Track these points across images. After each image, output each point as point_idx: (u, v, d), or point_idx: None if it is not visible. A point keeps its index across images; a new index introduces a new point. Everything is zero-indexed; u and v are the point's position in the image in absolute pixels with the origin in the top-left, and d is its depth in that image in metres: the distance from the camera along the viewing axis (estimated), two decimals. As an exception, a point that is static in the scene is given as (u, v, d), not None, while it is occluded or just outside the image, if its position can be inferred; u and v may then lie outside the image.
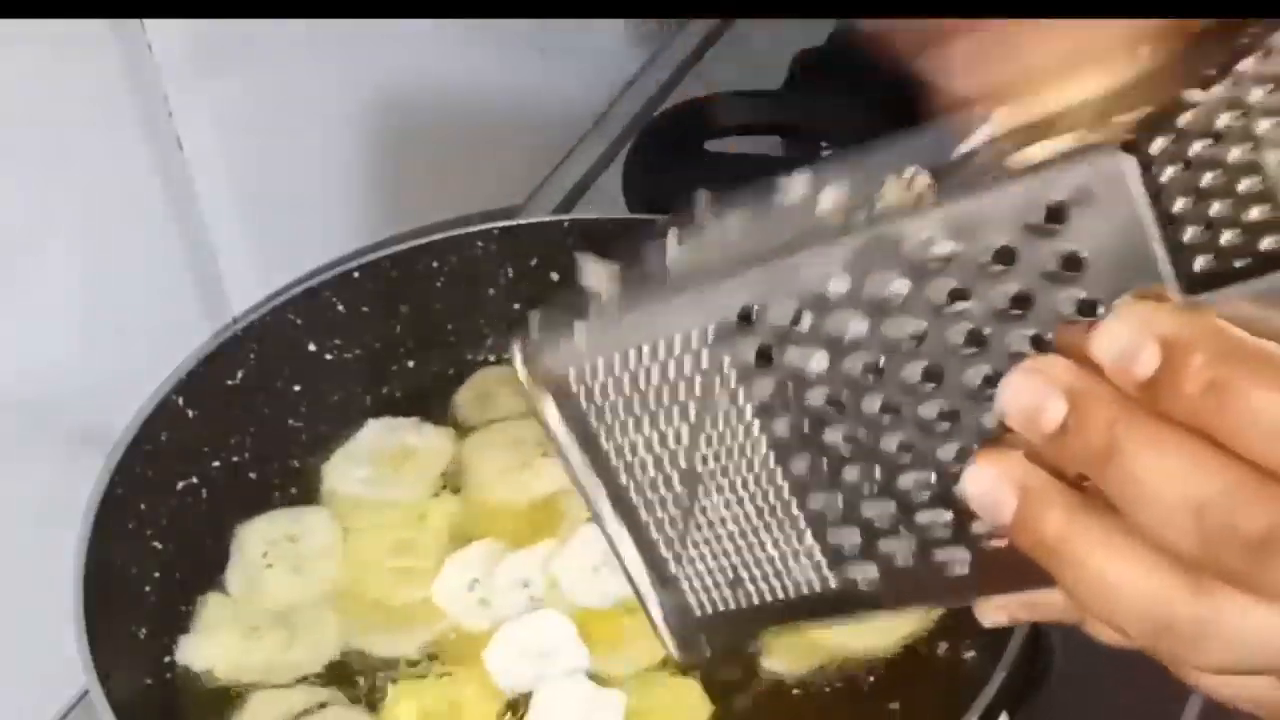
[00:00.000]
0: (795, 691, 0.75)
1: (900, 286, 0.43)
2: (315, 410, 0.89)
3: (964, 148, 0.47)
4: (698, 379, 0.48)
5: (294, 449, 0.88)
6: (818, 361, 0.45)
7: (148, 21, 0.82)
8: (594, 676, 0.75)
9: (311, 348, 0.89)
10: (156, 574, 0.80)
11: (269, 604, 0.80)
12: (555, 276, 0.92)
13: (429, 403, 0.90)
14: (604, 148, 1.17)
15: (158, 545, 0.80)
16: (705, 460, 0.49)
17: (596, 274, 0.53)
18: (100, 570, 0.74)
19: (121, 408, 0.81)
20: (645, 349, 0.48)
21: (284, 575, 0.81)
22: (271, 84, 0.91)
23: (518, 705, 0.74)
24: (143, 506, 0.79)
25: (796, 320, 0.45)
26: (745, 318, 0.46)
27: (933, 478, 0.45)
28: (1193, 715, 0.74)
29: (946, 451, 0.44)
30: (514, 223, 0.93)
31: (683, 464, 0.50)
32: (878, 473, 0.46)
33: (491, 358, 0.93)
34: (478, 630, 0.78)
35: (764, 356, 0.46)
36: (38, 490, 0.82)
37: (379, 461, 0.87)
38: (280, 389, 0.88)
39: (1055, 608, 0.45)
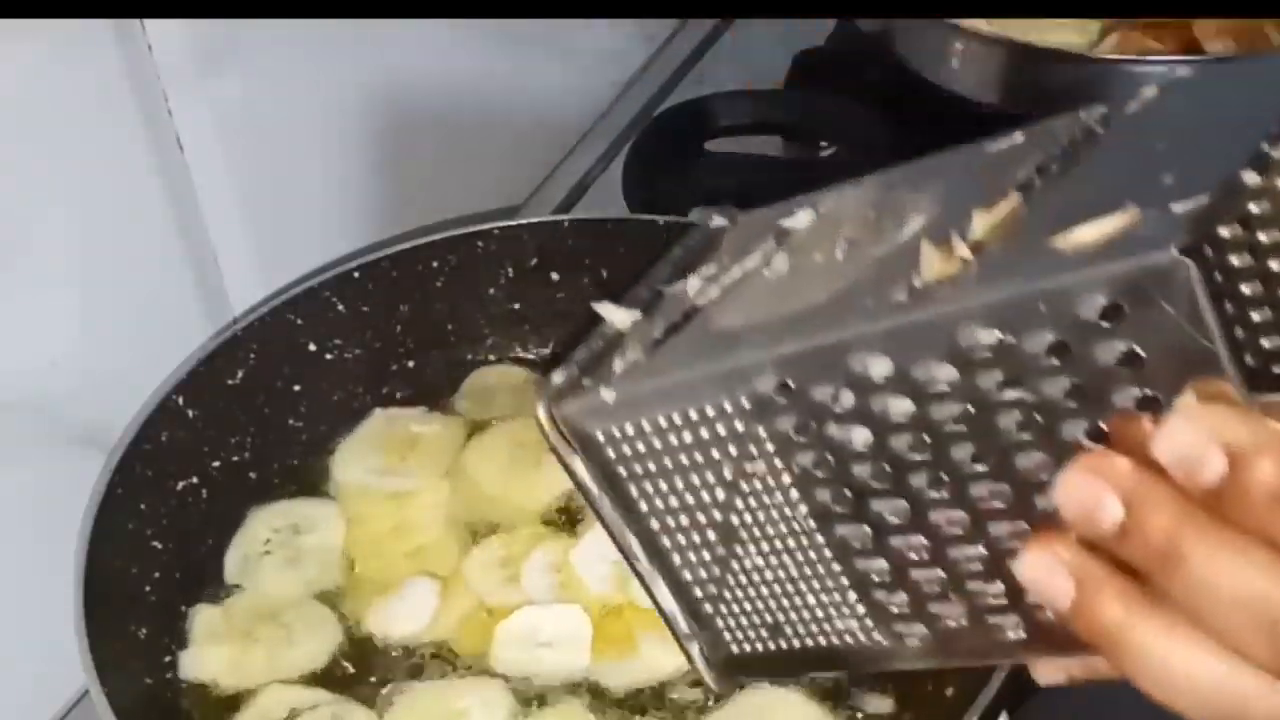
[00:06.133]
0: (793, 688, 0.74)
1: (946, 374, 0.41)
2: (315, 410, 0.89)
3: (1004, 206, 0.44)
4: (732, 447, 0.46)
5: (294, 449, 0.88)
6: (859, 438, 0.43)
7: (148, 21, 0.82)
8: (590, 684, 0.75)
9: (311, 348, 0.89)
10: (156, 574, 0.79)
11: (259, 597, 0.80)
12: (555, 276, 0.92)
13: (429, 402, 0.90)
14: (604, 148, 1.17)
15: (158, 545, 0.80)
16: (742, 518, 0.47)
17: (619, 321, 0.52)
18: (100, 570, 0.74)
19: (121, 408, 0.81)
20: (676, 416, 0.47)
21: (277, 566, 0.81)
22: (271, 84, 0.91)
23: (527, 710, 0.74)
24: (143, 506, 0.79)
25: (837, 398, 0.43)
26: (783, 389, 0.44)
27: (984, 551, 0.43)
28: (1192, 715, 0.74)
29: (999, 529, 0.43)
30: (514, 223, 0.93)
31: (718, 519, 0.48)
32: (925, 544, 0.44)
33: (492, 357, 0.93)
34: (501, 607, 0.78)
35: (803, 429, 0.44)
36: (38, 490, 0.82)
37: (385, 451, 0.87)
38: (280, 389, 0.88)
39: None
